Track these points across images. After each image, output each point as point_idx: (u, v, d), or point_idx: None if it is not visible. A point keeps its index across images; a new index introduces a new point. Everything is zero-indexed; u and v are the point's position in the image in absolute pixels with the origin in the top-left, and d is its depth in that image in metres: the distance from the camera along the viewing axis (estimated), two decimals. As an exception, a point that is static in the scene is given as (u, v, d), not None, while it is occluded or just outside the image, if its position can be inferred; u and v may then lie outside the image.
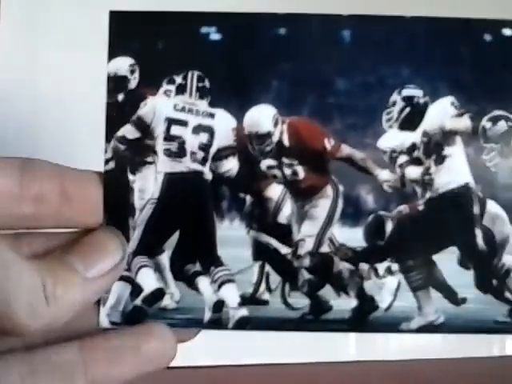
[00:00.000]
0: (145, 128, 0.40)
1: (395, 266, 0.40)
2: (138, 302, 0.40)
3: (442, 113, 0.41)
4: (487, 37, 0.40)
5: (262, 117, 0.40)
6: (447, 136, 0.41)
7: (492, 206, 0.40)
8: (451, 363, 0.61)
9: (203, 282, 0.41)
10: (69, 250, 0.38)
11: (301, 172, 0.41)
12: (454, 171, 0.41)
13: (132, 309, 0.40)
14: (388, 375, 0.61)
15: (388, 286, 0.40)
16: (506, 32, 0.40)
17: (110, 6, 0.40)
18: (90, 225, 0.39)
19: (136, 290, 0.40)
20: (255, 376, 0.59)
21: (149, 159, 0.41)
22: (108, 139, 0.40)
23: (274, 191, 0.41)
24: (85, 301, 0.37)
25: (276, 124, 0.41)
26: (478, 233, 0.41)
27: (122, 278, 0.40)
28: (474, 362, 0.59)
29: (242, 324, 0.40)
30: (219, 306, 0.40)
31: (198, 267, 0.41)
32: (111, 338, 0.38)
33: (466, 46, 0.40)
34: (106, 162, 0.40)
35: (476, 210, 0.41)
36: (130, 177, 0.41)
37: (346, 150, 0.40)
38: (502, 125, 0.40)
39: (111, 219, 0.39)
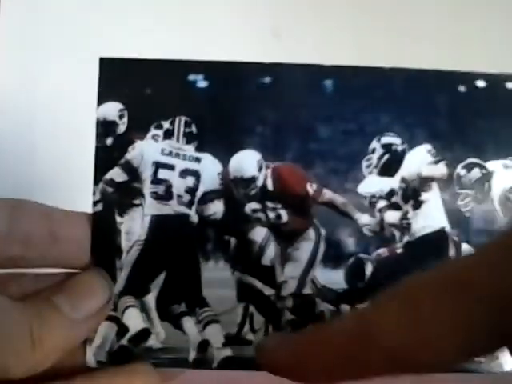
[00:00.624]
0: (133, 171, 0.42)
1: (375, 307, 0.42)
2: (124, 341, 0.41)
3: (419, 160, 0.42)
4: (461, 88, 0.42)
5: (247, 162, 0.42)
6: (424, 182, 0.43)
7: (467, 250, 0.42)
8: None
9: (188, 323, 0.42)
10: (56, 291, 0.38)
11: (284, 215, 0.42)
12: (430, 216, 0.42)
13: (118, 348, 0.41)
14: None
15: (368, 327, 0.42)
16: (479, 84, 0.42)
17: (101, 53, 0.42)
18: (77, 265, 0.40)
19: (122, 329, 0.41)
20: (253, 376, 0.60)
21: (136, 202, 0.42)
22: (96, 182, 0.41)
23: (258, 234, 0.42)
24: (71, 342, 0.38)
25: (260, 169, 0.42)
26: (454, 275, 0.42)
27: (109, 318, 0.40)
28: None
29: (227, 363, 0.41)
30: (204, 345, 0.41)
31: (183, 308, 0.42)
32: (97, 377, 0.39)
33: (441, 96, 0.42)
34: (95, 204, 0.41)
35: (452, 253, 0.42)
36: (118, 219, 0.42)
37: (327, 194, 0.42)
38: (476, 172, 0.42)
39: (98, 260, 0.40)
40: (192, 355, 0.41)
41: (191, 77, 0.42)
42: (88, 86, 0.41)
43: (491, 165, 0.42)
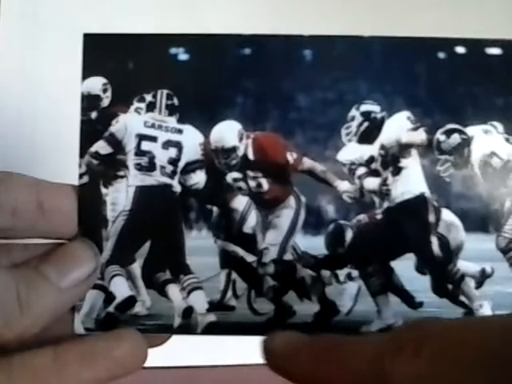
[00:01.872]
0: (117, 144, 0.43)
1: (355, 273, 0.42)
2: (111, 309, 0.42)
3: (399, 127, 0.43)
4: (441, 54, 0.43)
5: (228, 132, 0.42)
6: (403, 149, 0.43)
7: (446, 215, 0.42)
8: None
9: (173, 290, 0.43)
10: (44, 261, 0.39)
11: (265, 184, 0.43)
12: (410, 182, 0.43)
13: (105, 316, 0.42)
14: None
15: (348, 292, 0.42)
16: (459, 50, 0.43)
17: (84, 29, 0.43)
18: (64, 236, 0.41)
19: (109, 297, 0.42)
20: (252, 375, 0.60)
21: (121, 173, 0.43)
22: (82, 155, 0.42)
23: (240, 202, 0.43)
24: (58, 309, 0.39)
25: (241, 139, 0.43)
26: (434, 240, 0.43)
27: (96, 287, 0.42)
28: None
29: (211, 329, 0.42)
30: (188, 312, 0.42)
31: (168, 275, 0.43)
32: (84, 343, 0.40)
33: (420, 64, 0.43)
34: (80, 176, 0.42)
35: (431, 218, 0.43)
36: (103, 190, 0.43)
37: (307, 162, 0.42)
38: (456, 137, 0.42)
39: (85, 231, 0.41)
40: (177, 321, 0.42)
41: (173, 50, 0.43)
42: (72, 62, 0.42)
43: (471, 130, 0.43)
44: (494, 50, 0.43)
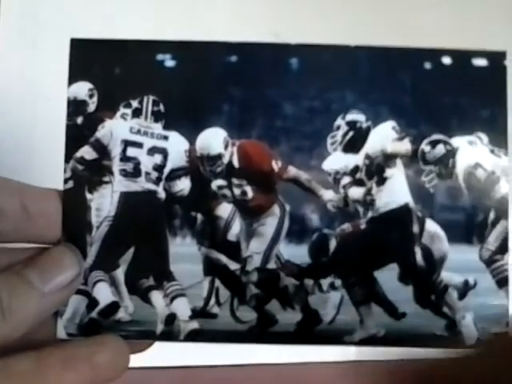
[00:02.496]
0: (102, 149, 0.43)
1: (338, 282, 0.43)
2: (94, 314, 0.42)
3: (384, 136, 0.43)
4: (427, 65, 0.43)
5: (213, 139, 0.42)
6: (388, 158, 0.43)
7: (430, 225, 0.43)
8: (451, 363, 0.61)
9: (156, 296, 0.43)
10: (27, 265, 0.39)
11: (249, 192, 0.43)
12: (394, 192, 0.43)
13: (88, 321, 0.42)
14: (388, 375, 0.61)
15: (331, 301, 0.42)
16: (445, 60, 0.43)
17: (72, 34, 0.43)
18: (48, 240, 0.41)
19: (92, 303, 0.42)
20: (251, 375, 0.60)
21: (106, 179, 0.43)
22: (67, 160, 0.42)
23: (224, 210, 0.43)
24: (41, 314, 0.39)
25: (226, 146, 0.43)
26: (418, 250, 0.43)
27: (79, 292, 0.42)
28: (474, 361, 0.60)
29: (193, 336, 0.42)
30: (171, 318, 0.42)
31: (151, 282, 0.43)
32: (66, 348, 0.40)
33: (406, 74, 0.43)
34: (65, 181, 0.42)
35: (415, 228, 0.43)
36: (88, 195, 0.43)
37: (292, 171, 0.42)
38: (441, 148, 0.43)
39: (69, 236, 0.41)
40: (160, 328, 0.42)
41: (159, 56, 0.43)
42: (59, 67, 0.42)
43: (456, 141, 0.43)
44: (480, 61, 0.43)
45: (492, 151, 0.43)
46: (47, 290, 0.39)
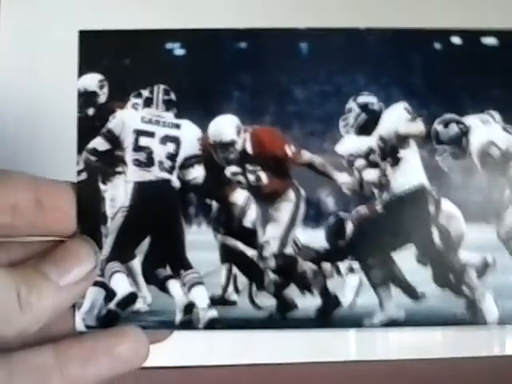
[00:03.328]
0: (114, 140, 0.43)
1: (356, 265, 0.42)
2: (112, 306, 0.42)
3: (396, 118, 0.43)
4: (437, 45, 0.43)
5: (226, 126, 0.42)
6: (401, 139, 0.43)
7: (447, 205, 0.42)
8: (451, 363, 0.62)
9: (174, 286, 0.43)
10: (43, 259, 0.39)
11: (264, 177, 0.43)
12: (409, 173, 0.43)
13: (106, 313, 0.42)
14: (388, 375, 0.61)
15: (350, 284, 0.42)
16: (455, 40, 0.43)
17: (80, 26, 0.42)
18: (64, 233, 0.41)
19: (110, 294, 0.42)
20: (253, 376, 0.60)
21: (119, 169, 0.43)
22: (80, 151, 0.42)
23: (239, 196, 0.43)
24: (58, 307, 0.39)
25: (239, 133, 0.43)
26: (434, 231, 0.43)
27: (96, 284, 0.42)
28: (473, 361, 0.60)
29: (212, 324, 0.42)
30: (190, 307, 0.42)
31: (168, 271, 0.43)
32: (86, 340, 0.40)
33: (417, 55, 0.43)
34: (78, 173, 0.42)
35: (431, 209, 0.43)
36: (102, 186, 0.43)
37: (305, 155, 0.42)
38: (453, 127, 0.42)
39: (84, 227, 0.41)
40: (178, 317, 0.42)
41: (168, 45, 0.43)
42: (70, 59, 0.42)
43: (468, 120, 0.43)
44: (490, 40, 0.43)
45: (505, 129, 0.42)
46: (64, 283, 0.39)
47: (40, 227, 0.40)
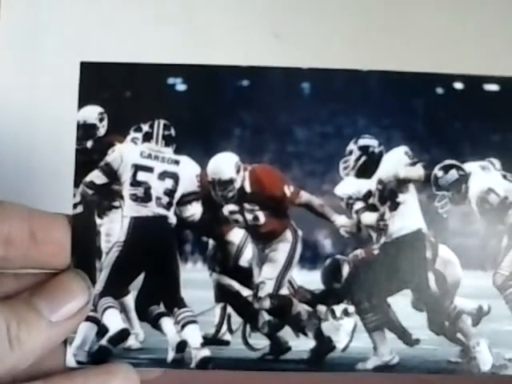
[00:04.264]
0: (112, 174, 0.42)
1: (351, 308, 0.42)
2: (104, 342, 0.42)
3: (396, 162, 0.43)
4: (439, 90, 0.43)
5: (225, 164, 0.42)
6: (401, 184, 0.43)
7: (444, 251, 0.42)
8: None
9: (167, 323, 0.42)
10: (35, 293, 0.38)
11: (261, 217, 0.43)
12: (407, 217, 0.43)
13: (98, 349, 0.41)
14: (388, 375, 0.61)
15: (345, 327, 0.42)
16: (457, 85, 0.43)
17: (81, 57, 0.42)
18: (57, 267, 0.40)
19: (102, 330, 0.42)
20: (253, 377, 0.60)
21: (116, 204, 0.43)
22: (77, 184, 0.42)
23: (236, 235, 0.43)
24: (49, 343, 0.38)
25: (238, 171, 0.42)
26: (431, 276, 0.43)
27: (89, 319, 0.41)
28: None
29: (205, 364, 0.41)
30: (182, 346, 0.42)
31: (162, 308, 0.42)
32: (76, 377, 0.39)
33: (418, 99, 0.43)
34: (75, 206, 0.41)
35: (428, 254, 0.42)
36: (98, 220, 0.42)
37: (304, 196, 0.42)
38: (453, 173, 0.42)
39: (78, 261, 0.40)
40: (170, 355, 0.42)
41: (170, 80, 0.42)
42: (68, 90, 0.41)
43: (468, 166, 0.43)
44: (492, 87, 0.43)
45: (504, 176, 0.42)
46: (56, 318, 0.38)
47: (33, 260, 0.40)
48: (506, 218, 0.42)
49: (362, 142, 0.42)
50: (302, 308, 0.42)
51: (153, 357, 0.42)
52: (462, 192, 0.43)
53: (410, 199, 0.43)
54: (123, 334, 0.42)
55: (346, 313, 0.42)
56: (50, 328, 0.38)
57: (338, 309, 0.42)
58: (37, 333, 0.37)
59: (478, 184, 0.43)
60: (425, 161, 0.42)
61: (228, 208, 0.43)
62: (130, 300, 0.42)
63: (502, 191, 0.42)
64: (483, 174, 0.42)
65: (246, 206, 0.43)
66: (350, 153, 0.42)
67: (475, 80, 0.43)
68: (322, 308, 0.42)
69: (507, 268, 0.42)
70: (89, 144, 0.42)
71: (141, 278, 0.42)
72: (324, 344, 0.42)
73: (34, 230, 0.39)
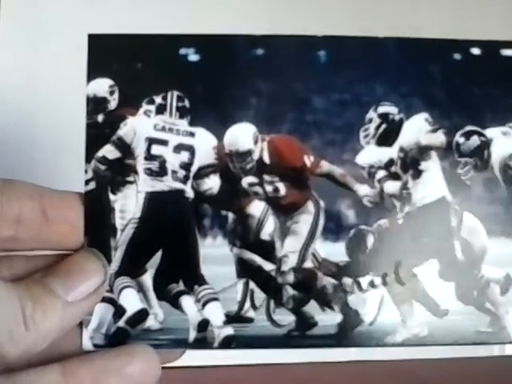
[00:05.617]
0: (125, 148, 0.40)
1: (378, 280, 0.41)
2: (122, 323, 0.40)
3: (417, 129, 0.42)
4: (456, 56, 0.42)
5: (242, 135, 0.41)
6: (423, 151, 0.42)
7: (469, 219, 0.41)
8: (451, 363, 0.61)
9: (187, 302, 0.40)
10: (49, 273, 0.37)
11: (282, 188, 0.41)
12: (430, 185, 0.42)
13: (115, 330, 0.40)
14: (388, 375, 0.60)
15: (372, 300, 0.41)
16: (474, 51, 0.42)
17: (89, 29, 0.41)
18: (70, 246, 0.39)
19: (119, 311, 0.40)
20: (254, 376, 0.59)
21: (130, 179, 0.41)
22: (88, 160, 0.40)
23: (256, 208, 0.41)
24: (65, 325, 0.36)
25: (256, 142, 0.41)
26: (457, 245, 0.41)
27: (105, 300, 0.39)
28: (473, 362, 0.59)
29: (228, 343, 0.40)
30: (204, 325, 0.40)
31: (181, 286, 0.41)
32: (94, 360, 0.37)
33: (436, 65, 0.42)
34: (87, 182, 0.40)
35: (453, 222, 0.41)
36: (111, 197, 0.40)
37: (325, 166, 0.41)
38: (475, 139, 0.42)
39: (92, 240, 0.39)
40: (192, 335, 0.40)
41: (183, 51, 0.41)
42: (75, 63, 0.40)
43: (490, 132, 0.42)
44: (509, 52, 0.42)
45: (526, 141, 0.42)
46: (71, 298, 0.36)
47: (45, 240, 0.38)
48: (529, 183, 0.41)
49: (382, 109, 0.41)
50: (327, 281, 0.41)
51: (173, 337, 0.40)
52: (485, 158, 0.42)
53: (432, 167, 0.42)
54: (141, 315, 0.40)
55: (372, 285, 0.41)
56: (66, 308, 0.36)
57: (364, 281, 0.41)
58: (52, 313, 0.36)
59: (500, 150, 0.42)
60: (446, 127, 0.42)
61: (247, 180, 0.41)
62: (147, 279, 0.40)
63: (525, 156, 0.42)
64: (505, 140, 0.42)
65: (266, 177, 0.41)
66: (370, 121, 0.41)
67: (492, 45, 0.42)
68: (347, 280, 0.41)
69: (533, 234, 0.41)
70: (100, 118, 0.41)
71: (158, 255, 0.40)
72: (351, 318, 0.40)
73: (46, 209, 0.38)
